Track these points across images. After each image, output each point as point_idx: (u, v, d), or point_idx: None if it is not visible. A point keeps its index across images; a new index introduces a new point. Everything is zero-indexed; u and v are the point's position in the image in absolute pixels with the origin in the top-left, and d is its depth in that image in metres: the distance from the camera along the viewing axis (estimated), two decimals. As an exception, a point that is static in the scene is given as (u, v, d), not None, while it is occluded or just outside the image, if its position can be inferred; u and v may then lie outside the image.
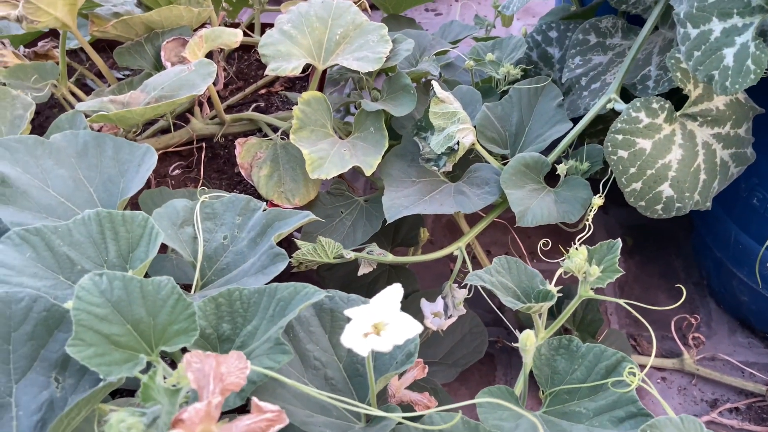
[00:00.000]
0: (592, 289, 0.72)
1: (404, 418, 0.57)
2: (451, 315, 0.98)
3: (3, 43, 1.12)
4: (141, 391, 0.45)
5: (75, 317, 0.48)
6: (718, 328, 1.34)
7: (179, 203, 0.80)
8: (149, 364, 0.51)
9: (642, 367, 1.25)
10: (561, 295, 0.71)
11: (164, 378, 0.48)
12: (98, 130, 1.02)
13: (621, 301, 0.71)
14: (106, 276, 0.51)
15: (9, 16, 0.88)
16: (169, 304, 0.51)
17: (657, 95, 0.91)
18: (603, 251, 0.72)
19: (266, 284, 0.65)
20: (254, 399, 0.45)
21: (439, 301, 1.00)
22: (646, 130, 0.84)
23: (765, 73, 0.80)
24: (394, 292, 0.56)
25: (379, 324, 0.55)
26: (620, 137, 0.83)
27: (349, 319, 0.55)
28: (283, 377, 0.52)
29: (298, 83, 1.43)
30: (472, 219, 1.08)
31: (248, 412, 0.51)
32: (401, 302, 1.06)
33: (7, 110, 0.97)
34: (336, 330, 0.69)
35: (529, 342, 0.64)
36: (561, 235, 1.07)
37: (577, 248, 0.76)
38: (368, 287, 1.19)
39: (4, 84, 1.08)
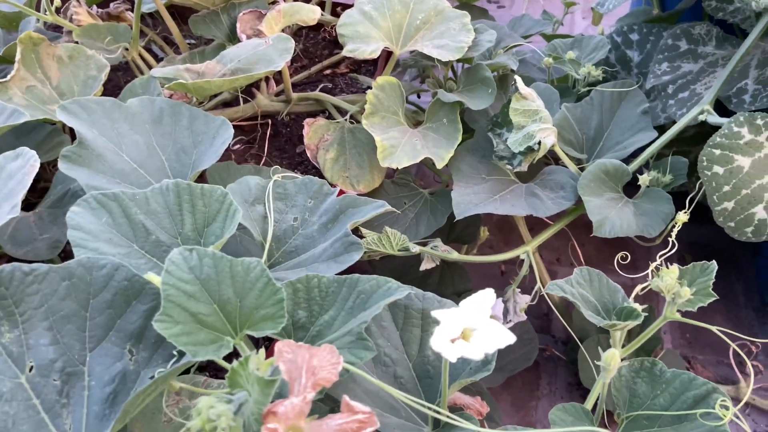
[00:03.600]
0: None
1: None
2: (510, 320, 0.95)
3: (78, 2, 1.11)
4: (228, 376, 0.43)
5: (164, 292, 0.46)
6: (779, 360, 1.28)
7: (252, 180, 0.78)
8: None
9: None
10: (647, 314, 0.67)
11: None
12: (168, 98, 1.01)
13: (714, 327, 0.67)
14: (197, 252, 0.49)
15: (94, -25, 0.87)
16: (258, 287, 0.49)
17: (754, 111, 0.86)
18: (696, 273, 0.68)
19: (340, 273, 0.63)
20: (346, 398, 0.43)
21: (499, 303, 0.97)
22: (747, 147, 0.79)
23: None
24: (485, 297, 0.53)
25: (467, 330, 0.52)
26: (718, 152, 0.79)
27: (432, 320, 0.53)
28: (365, 374, 0.50)
29: (363, 66, 1.39)
30: (530, 221, 1.04)
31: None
32: (454, 299, 1.03)
33: (81, 69, 0.96)
34: (408, 327, 0.66)
35: (613, 362, 0.61)
36: (618, 247, 1.02)
37: (660, 266, 0.72)
38: (420, 280, 1.16)
39: (77, 42, 1.07)
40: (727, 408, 0.58)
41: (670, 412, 0.61)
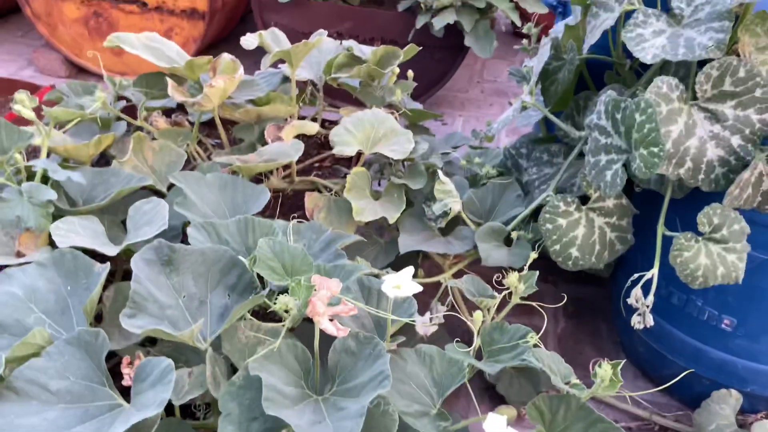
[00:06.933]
0: (522, 298, 1.24)
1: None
2: (434, 323, 1.49)
3: (159, 112, 1.69)
4: (290, 290, 0.97)
5: (259, 256, 1.00)
6: (625, 374, 1.82)
7: (278, 223, 1.34)
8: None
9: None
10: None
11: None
12: (219, 176, 1.57)
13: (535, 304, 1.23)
14: (273, 241, 1.03)
15: (187, 102, 1.46)
16: (300, 256, 1.04)
17: (577, 196, 1.48)
18: (528, 277, 1.25)
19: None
20: (342, 297, 0.97)
21: (427, 315, 1.51)
22: (563, 213, 1.39)
23: (637, 188, 1.37)
24: (408, 271, 1.09)
25: (398, 285, 1.07)
26: (548, 215, 1.39)
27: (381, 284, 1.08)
28: (354, 301, 1.04)
29: (341, 162, 2.00)
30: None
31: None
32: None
33: (167, 156, 1.53)
34: (369, 297, 1.20)
35: (478, 319, 1.16)
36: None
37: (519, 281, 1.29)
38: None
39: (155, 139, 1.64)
40: (532, 338, 1.13)
41: (508, 344, 1.16)
